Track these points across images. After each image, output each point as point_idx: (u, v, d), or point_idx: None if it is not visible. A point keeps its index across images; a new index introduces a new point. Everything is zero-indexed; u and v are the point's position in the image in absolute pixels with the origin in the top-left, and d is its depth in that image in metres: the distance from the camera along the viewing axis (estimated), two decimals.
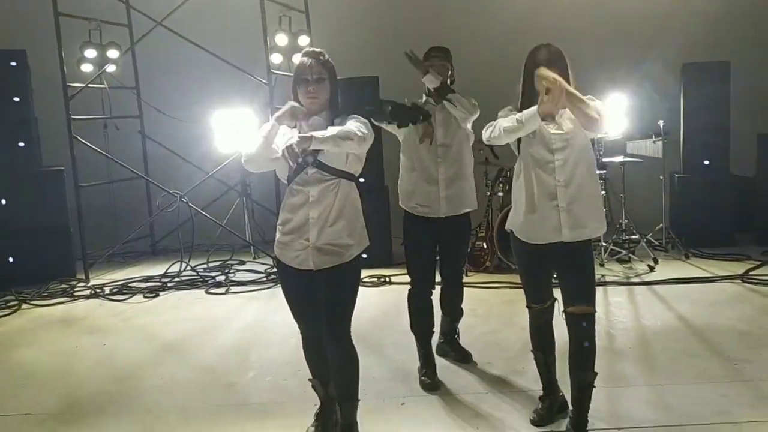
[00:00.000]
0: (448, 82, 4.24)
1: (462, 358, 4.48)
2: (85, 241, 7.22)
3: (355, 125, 3.05)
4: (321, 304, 3.14)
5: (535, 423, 3.50)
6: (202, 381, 4.39)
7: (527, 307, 3.49)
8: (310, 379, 3.47)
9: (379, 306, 5.76)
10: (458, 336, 4.60)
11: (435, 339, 4.40)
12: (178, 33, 7.05)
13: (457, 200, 4.17)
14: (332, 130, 2.97)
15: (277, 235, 3.20)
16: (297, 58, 7.76)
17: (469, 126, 4.21)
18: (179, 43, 7.14)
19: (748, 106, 7.58)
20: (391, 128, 4.17)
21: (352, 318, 3.16)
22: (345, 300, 3.14)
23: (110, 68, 7.93)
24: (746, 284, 5.84)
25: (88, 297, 6.60)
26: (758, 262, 6.44)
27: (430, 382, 4.05)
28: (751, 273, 6.11)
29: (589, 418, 3.33)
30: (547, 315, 3.45)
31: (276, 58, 7.68)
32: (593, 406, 3.37)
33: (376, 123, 3.98)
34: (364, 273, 6.43)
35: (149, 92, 8.37)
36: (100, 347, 5.16)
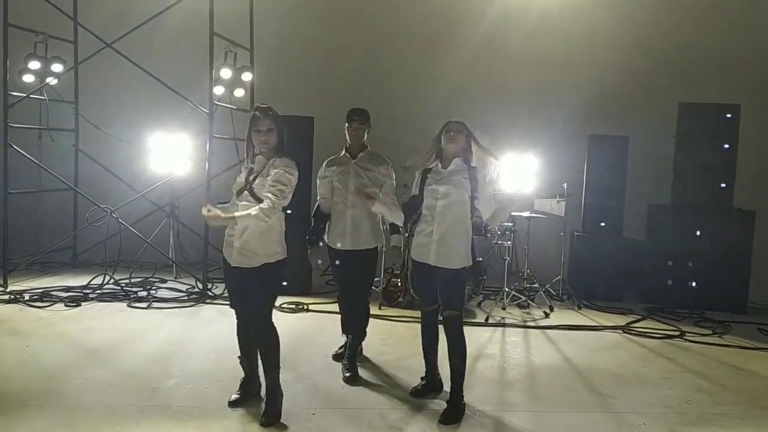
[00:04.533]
0: (365, 139, 5.00)
1: (353, 376, 4.95)
2: (8, 247, 7.29)
3: (269, 192, 3.93)
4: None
5: (411, 394, 4.62)
6: (126, 384, 4.64)
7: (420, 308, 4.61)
8: (239, 356, 4.36)
9: (296, 330, 6.13)
10: (361, 351, 5.35)
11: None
12: (125, 55, 7.34)
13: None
14: (253, 211, 3.85)
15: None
16: (239, 92, 8.30)
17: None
18: (124, 63, 7.43)
19: (643, 177, 8.43)
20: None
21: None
22: (257, 293, 4.07)
23: (52, 81, 8.10)
24: (626, 334, 6.53)
25: (7, 302, 6.68)
26: (639, 317, 7.18)
27: (350, 376, 4.86)
28: (631, 325, 6.82)
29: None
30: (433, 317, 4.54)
31: (218, 90, 8.05)
32: (481, 426, 3.89)
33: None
34: (283, 299, 6.88)
35: (88, 108, 8.56)
36: (22, 349, 5.31)
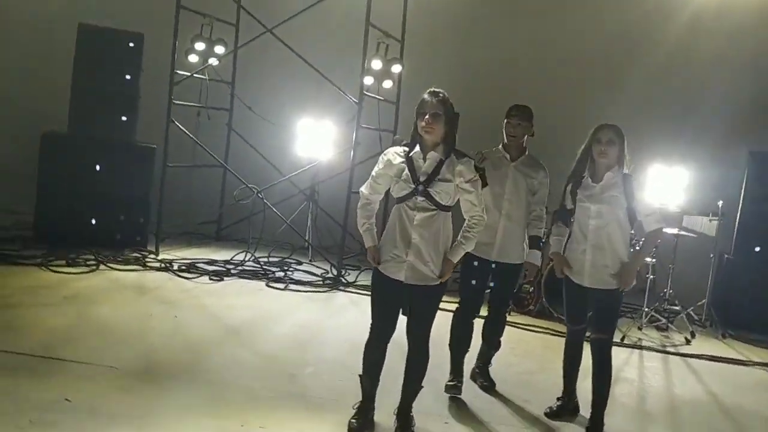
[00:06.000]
0: (524, 140, 4.63)
1: (489, 386, 4.83)
2: (162, 217, 7.78)
3: (475, 206, 3.71)
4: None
5: (547, 414, 4.42)
6: (266, 367, 4.82)
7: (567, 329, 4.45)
8: (360, 375, 3.94)
9: None
10: (491, 365, 4.96)
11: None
12: (283, 41, 7.58)
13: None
14: (460, 248, 3.73)
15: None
16: (387, 84, 8.37)
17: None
18: (280, 48, 7.67)
19: None
20: None
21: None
22: (429, 313, 3.83)
23: (214, 62, 8.50)
24: None
25: (158, 269, 7.11)
26: None
27: (453, 385, 4.52)
28: None
29: None
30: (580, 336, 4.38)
31: (368, 80, 8.15)
32: None
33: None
34: None
35: (244, 90, 8.91)
36: (171, 319, 5.65)
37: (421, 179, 3.64)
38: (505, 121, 4.61)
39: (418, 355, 3.87)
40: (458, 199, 3.73)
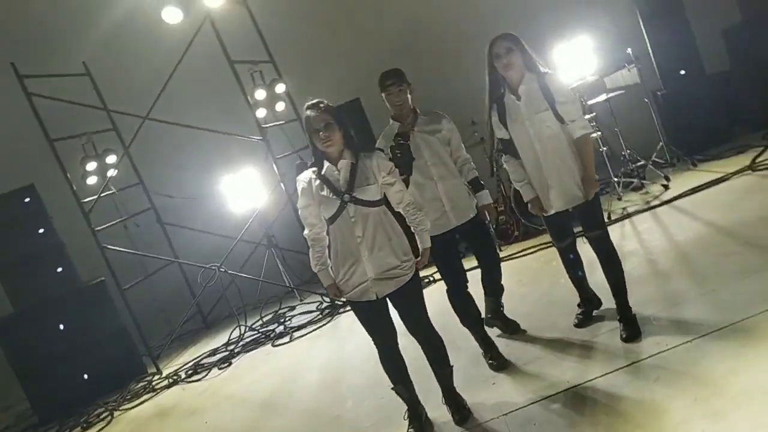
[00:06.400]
0: (410, 101, 4.40)
1: (511, 329, 4.79)
2: (145, 336, 7.59)
3: (405, 193, 3.68)
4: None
5: (577, 326, 4.41)
6: (310, 423, 4.73)
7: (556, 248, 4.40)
8: (392, 388, 3.90)
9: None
10: (503, 309, 4.86)
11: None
12: (164, 120, 7.41)
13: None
14: (423, 234, 3.69)
15: None
16: (280, 106, 8.26)
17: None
18: (166, 127, 7.51)
19: (706, 6, 7.82)
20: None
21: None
22: (416, 304, 3.79)
23: (112, 173, 8.30)
24: (756, 172, 6.09)
25: (168, 386, 6.94)
26: (761, 147, 6.61)
27: (496, 363, 4.36)
28: (757, 161, 6.33)
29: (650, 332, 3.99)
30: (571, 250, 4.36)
31: (261, 113, 8.02)
32: (662, 329, 3.75)
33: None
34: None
35: (155, 181, 8.75)
36: (203, 426, 5.51)
37: (344, 189, 3.55)
38: (384, 94, 4.37)
39: (429, 343, 3.84)
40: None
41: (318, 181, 3.61)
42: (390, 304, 3.76)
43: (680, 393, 3.24)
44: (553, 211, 4.14)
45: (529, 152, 4.05)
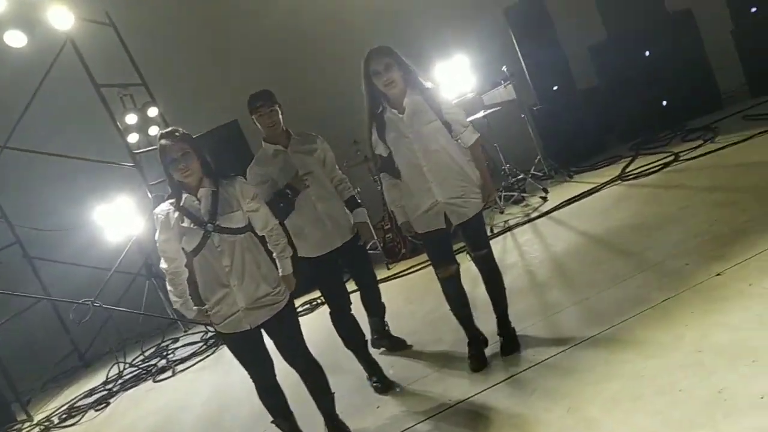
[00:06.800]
0: (281, 120, 4.26)
1: (398, 347, 4.77)
2: (12, 381, 7.01)
3: (269, 217, 3.58)
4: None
5: (475, 370, 3.99)
6: None
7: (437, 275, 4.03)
8: (272, 421, 3.77)
9: (320, 331, 5.94)
10: (388, 328, 4.85)
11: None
12: (23, 149, 6.94)
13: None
14: (284, 261, 3.57)
15: None
16: (154, 130, 7.92)
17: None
18: (30, 156, 7.03)
19: (573, 25, 8.16)
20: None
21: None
22: (290, 330, 3.64)
23: None
24: (624, 183, 6.37)
25: None
26: (629, 158, 6.97)
27: (381, 386, 4.27)
28: (626, 171, 6.63)
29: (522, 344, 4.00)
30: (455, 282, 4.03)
31: (133, 138, 7.65)
32: (540, 341, 3.79)
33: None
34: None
35: (20, 215, 8.15)
36: None
37: (206, 218, 3.37)
38: (255, 116, 4.22)
39: (308, 373, 3.73)
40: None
41: (177, 213, 3.40)
42: (265, 335, 3.59)
43: (554, 404, 3.26)
44: (434, 228, 3.94)
45: (413, 168, 3.83)
